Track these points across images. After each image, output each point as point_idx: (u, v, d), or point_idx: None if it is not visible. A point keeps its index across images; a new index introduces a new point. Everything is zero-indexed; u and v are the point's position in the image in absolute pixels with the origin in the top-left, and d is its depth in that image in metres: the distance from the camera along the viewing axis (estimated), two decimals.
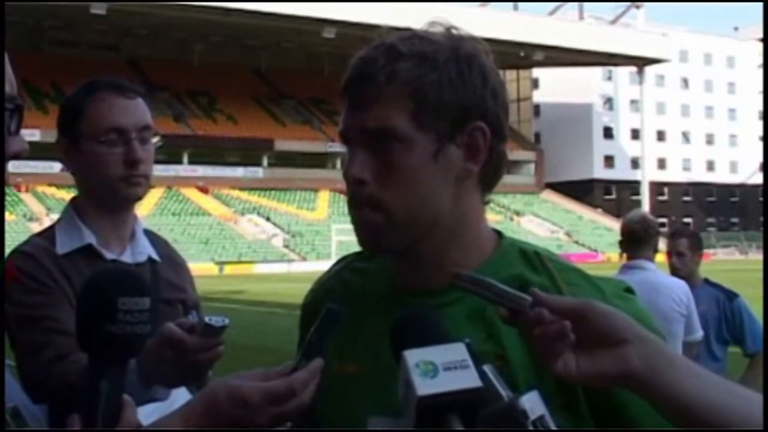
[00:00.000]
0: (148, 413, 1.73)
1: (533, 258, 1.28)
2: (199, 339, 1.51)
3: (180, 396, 1.68)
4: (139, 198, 2.06)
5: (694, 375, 1.01)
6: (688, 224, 77.03)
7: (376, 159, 1.20)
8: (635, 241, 4.71)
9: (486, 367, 0.99)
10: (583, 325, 1.00)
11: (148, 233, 2.18)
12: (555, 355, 1.01)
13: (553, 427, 0.97)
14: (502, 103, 1.25)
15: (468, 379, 0.94)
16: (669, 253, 5.16)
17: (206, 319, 1.48)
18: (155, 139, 2.08)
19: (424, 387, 0.93)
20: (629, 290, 1.26)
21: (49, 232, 2.08)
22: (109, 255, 2.05)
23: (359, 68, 1.22)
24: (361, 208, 1.22)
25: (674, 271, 5.04)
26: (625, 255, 4.81)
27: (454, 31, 1.25)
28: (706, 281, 5.26)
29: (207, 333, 1.49)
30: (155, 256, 2.13)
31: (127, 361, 0.99)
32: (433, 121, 1.20)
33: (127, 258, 2.08)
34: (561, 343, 1.00)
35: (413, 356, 0.96)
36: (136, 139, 2.01)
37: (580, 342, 1.00)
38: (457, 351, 0.97)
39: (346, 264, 1.42)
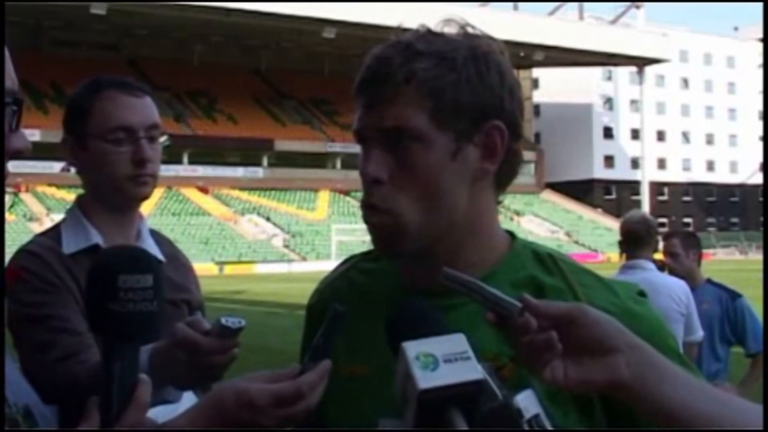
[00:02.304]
0: (153, 416, 1.72)
1: (546, 260, 1.28)
2: (214, 341, 1.48)
3: (186, 400, 1.66)
4: (146, 197, 2.05)
5: (685, 385, 1.01)
6: (688, 224, 77.09)
7: (393, 158, 1.18)
8: (635, 241, 4.71)
9: (481, 366, 0.97)
10: (573, 331, 0.99)
11: (154, 233, 2.16)
12: (542, 364, 0.99)
13: (548, 426, 0.96)
14: (518, 102, 1.24)
15: (469, 371, 0.92)
16: (664, 255, 5.16)
17: (222, 320, 1.45)
18: (163, 138, 2.07)
19: (425, 380, 0.91)
20: (642, 293, 1.25)
21: (54, 232, 2.05)
22: None
23: (375, 67, 1.20)
24: (376, 212, 1.20)
25: (672, 272, 5.04)
26: (624, 255, 4.81)
27: (469, 30, 1.24)
28: (709, 281, 5.25)
29: (223, 334, 1.47)
30: (160, 257, 2.11)
31: (137, 339, 0.99)
32: (452, 120, 1.18)
33: None
34: (548, 353, 0.99)
35: (413, 348, 0.94)
36: (144, 137, 1.99)
37: (569, 348, 0.99)
38: (458, 342, 0.95)
39: (352, 264, 1.40)
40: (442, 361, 0.92)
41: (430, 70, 1.17)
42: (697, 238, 5.38)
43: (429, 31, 1.22)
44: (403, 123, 1.17)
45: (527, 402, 0.96)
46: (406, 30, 1.23)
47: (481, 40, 1.22)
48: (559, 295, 1.20)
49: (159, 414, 1.67)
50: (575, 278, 1.24)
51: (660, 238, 4.97)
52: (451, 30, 1.23)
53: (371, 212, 1.20)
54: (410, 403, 0.93)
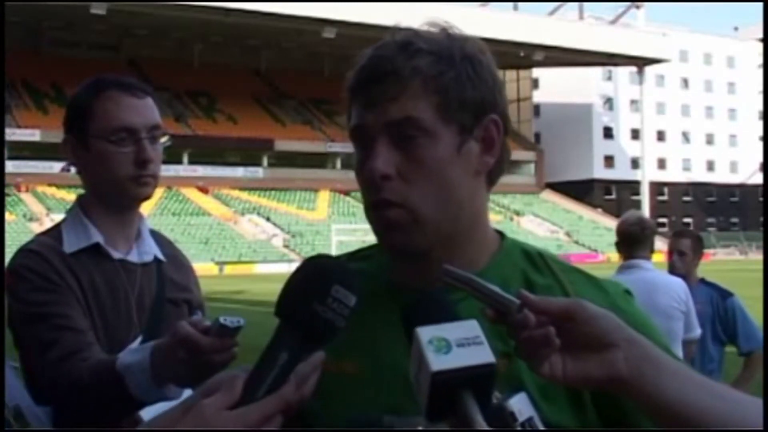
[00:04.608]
0: (151, 413, 1.73)
1: (536, 258, 1.29)
2: (214, 340, 1.49)
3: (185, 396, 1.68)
4: (148, 197, 2.06)
5: (681, 378, 1.01)
6: (688, 224, 77.05)
7: (400, 154, 1.18)
8: (633, 242, 4.72)
9: None
10: (571, 327, 1.00)
11: (153, 233, 2.18)
12: (541, 359, 1.00)
13: (542, 429, 0.96)
14: (505, 99, 1.28)
15: (482, 355, 0.93)
16: (670, 252, 5.17)
17: (221, 319, 1.46)
18: (164, 139, 2.07)
19: (438, 363, 0.92)
20: (628, 292, 1.27)
21: (55, 231, 2.07)
22: (116, 254, 2.05)
23: (376, 66, 1.21)
24: (389, 209, 1.19)
25: (672, 269, 5.07)
26: (622, 256, 4.82)
27: (451, 31, 1.26)
28: (702, 281, 5.27)
29: (222, 333, 1.48)
30: (161, 256, 2.13)
31: (311, 344, 1.03)
32: (456, 114, 1.20)
33: (133, 257, 2.07)
34: (547, 349, 0.99)
35: (426, 333, 0.95)
36: (145, 138, 2.00)
37: (568, 344, 1.00)
38: (470, 328, 0.96)
39: None
40: (455, 345, 0.93)
41: (433, 66, 1.19)
42: (703, 242, 5.39)
43: (415, 32, 1.24)
44: (413, 113, 1.18)
45: (521, 405, 0.96)
46: (400, 30, 1.25)
47: (468, 41, 1.25)
48: (550, 293, 1.19)
49: (159, 410, 1.69)
50: (565, 277, 1.25)
51: (656, 238, 4.97)
52: (436, 31, 1.25)
53: (387, 207, 1.19)
54: (423, 387, 0.94)
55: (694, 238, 5.30)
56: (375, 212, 1.21)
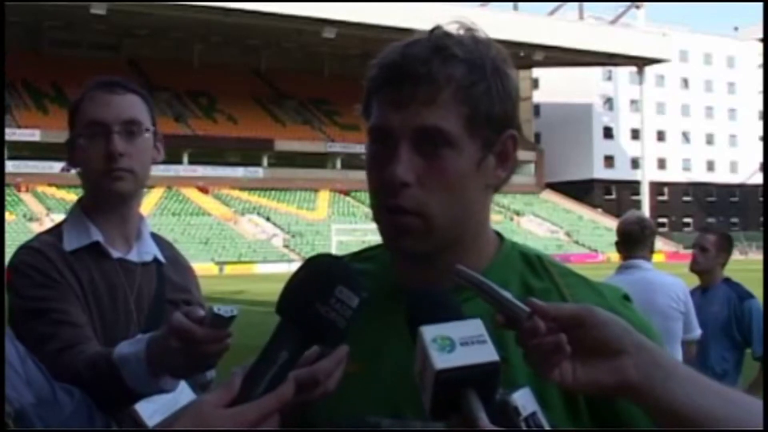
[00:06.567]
0: (150, 413, 1.74)
1: (534, 261, 1.29)
2: (208, 330, 1.50)
3: (182, 393, 1.68)
4: (124, 192, 2.05)
5: (691, 384, 1.01)
6: (688, 224, 77.12)
7: (422, 161, 1.18)
8: (632, 242, 4.72)
9: None
10: (581, 333, 1.00)
11: (154, 236, 2.19)
12: (551, 366, 1.00)
13: (546, 424, 0.96)
14: (519, 109, 1.28)
15: (485, 354, 0.94)
16: (694, 247, 5.15)
17: (215, 308, 1.47)
18: (148, 134, 2.06)
19: (442, 361, 0.92)
20: (626, 297, 1.27)
21: (56, 230, 2.09)
22: (115, 253, 2.07)
23: (411, 65, 1.18)
24: (403, 216, 1.19)
25: (693, 265, 5.07)
26: (621, 256, 4.82)
27: (477, 35, 1.24)
28: (726, 280, 5.17)
29: (216, 323, 1.49)
30: (161, 258, 2.15)
31: (311, 344, 1.03)
32: (482, 129, 1.20)
33: (133, 257, 2.09)
34: (558, 356, 0.99)
35: (430, 332, 0.95)
36: (118, 132, 2.01)
37: (578, 350, 1.00)
38: (474, 326, 0.96)
39: None
40: (458, 343, 0.94)
41: (467, 76, 1.18)
42: (732, 243, 5.27)
43: (445, 33, 1.21)
44: (442, 125, 1.17)
45: (524, 400, 0.96)
46: (434, 30, 1.22)
47: (493, 49, 1.23)
48: (547, 297, 1.19)
49: (157, 401, 1.70)
50: (563, 280, 1.26)
51: (655, 238, 4.96)
52: (460, 32, 1.23)
53: (401, 214, 1.19)
54: (427, 386, 0.94)
55: (720, 236, 5.21)
56: (387, 216, 1.21)
